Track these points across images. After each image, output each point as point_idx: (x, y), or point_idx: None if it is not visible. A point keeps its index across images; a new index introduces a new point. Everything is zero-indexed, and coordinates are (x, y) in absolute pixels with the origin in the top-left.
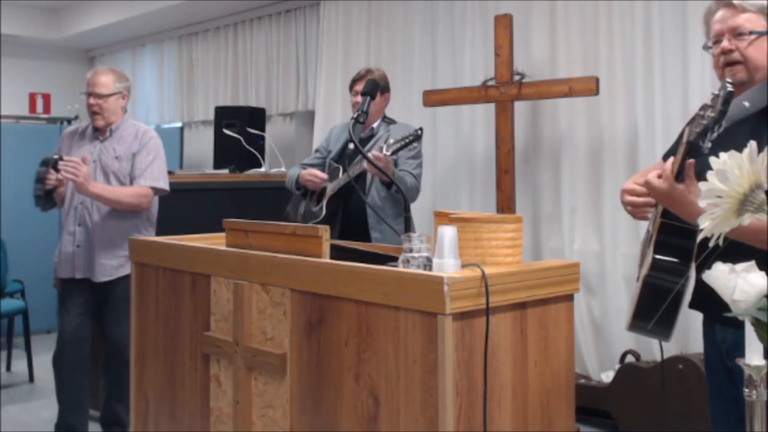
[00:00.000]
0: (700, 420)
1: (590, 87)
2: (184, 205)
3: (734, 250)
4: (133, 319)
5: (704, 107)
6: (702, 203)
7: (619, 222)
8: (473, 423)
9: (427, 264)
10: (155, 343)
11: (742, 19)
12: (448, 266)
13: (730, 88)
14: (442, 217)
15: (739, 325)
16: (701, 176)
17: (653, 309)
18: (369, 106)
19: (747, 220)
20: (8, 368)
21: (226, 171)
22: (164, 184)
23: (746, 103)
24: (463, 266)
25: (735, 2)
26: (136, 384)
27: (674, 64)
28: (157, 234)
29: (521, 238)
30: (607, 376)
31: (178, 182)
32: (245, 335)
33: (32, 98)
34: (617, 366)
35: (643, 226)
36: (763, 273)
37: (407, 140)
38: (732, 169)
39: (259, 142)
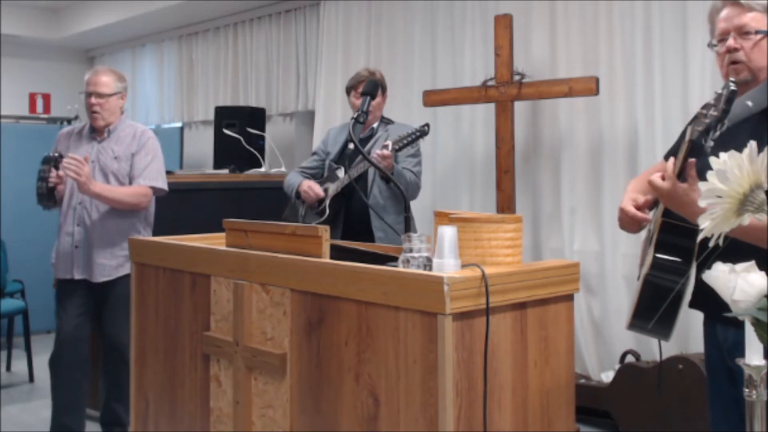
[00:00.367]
0: (699, 420)
1: (590, 87)
2: (184, 205)
3: (735, 249)
4: (133, 319)
5: (707, 106)
6: (702, 203)
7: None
8: (473, 423)
9: (427, 264)
10: (155, 343)
11: (748, 18)
12: (448, 266)
13: (733, 87)
14: (442, 217)
15: (740, 325)
16: (703, 175)
17: (653, 308)
18: (369, 106)
19: (747, 219)
20: (8, 368)
21: (226, 171)
22: (163, 183)
23: (749, 103)
24: (463, 266)
25: (741, 1)
26: (136, 384)
27: (674, 64)
28: (157, 234)
29: (521, 238)
30: (607, 376)
31: (178, 182)
32: (245, 335)
33: (32, 98)
34: (617, 366)
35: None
36: (763, 273)
37: (414, 136)
38: (732, 169)
39: (259, 142)
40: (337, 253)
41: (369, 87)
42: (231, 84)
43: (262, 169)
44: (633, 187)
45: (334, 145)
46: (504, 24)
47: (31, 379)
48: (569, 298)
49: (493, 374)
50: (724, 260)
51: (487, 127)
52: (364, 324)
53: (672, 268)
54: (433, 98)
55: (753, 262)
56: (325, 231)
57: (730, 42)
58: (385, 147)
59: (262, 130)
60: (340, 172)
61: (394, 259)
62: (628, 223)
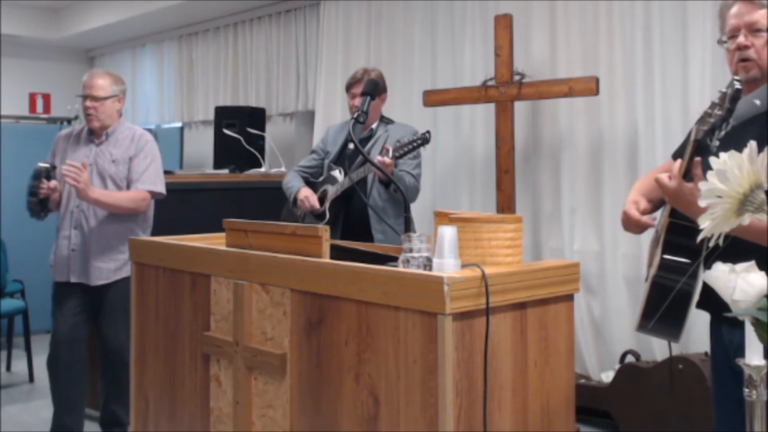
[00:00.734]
0: (700, 420)
1: (590, 87)
2: (184, 205)
3: (742, 250)
4: (133, 319)
5: (712, 105)
6: (702, 203)
7: (619, 222)
8: (473, 423)
9: (427, 264)
10: (155, 343)
11: (759, 15)
12: (448, 266)
13: (737, 85)
14: (442, 217)
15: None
16: None
17: (661, 309)
18: (369, 106)
19: (747, 219)
20: (8, 368)
21: (226, 171)
22: (161, 187)
23: (757, 101)
24: (463, 266)
25: None
26: (136, 384)
27: (674, 64)
28: (157, 234)
29: (521, 238)
30: (607, 376)
31: (178, 182)
32: (245, 335)
33: (32, 98)
34: (617, 366)
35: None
36: (763, 273)
37: (415, 144)
38: (732, 169)
39: (259, 142)
40: (337, 253)
41: (369, 87)
42: (231, 84)
43: (262, 169)
44: (638, 186)
45: (334, 145)
46: (504, 24)
47: (31, 379)
48: (569, 298)
49: (493, 374)
50: (733, 261)
51: (487, 127)
52: (364, 324)
53: (680, 269)
54: (433, 98)
55: (753, 262)
56: (325, 231)
57: (741, 39)
58: (386, 153)
59: (262, 130)
60: (339, 174)
61: (394, 259)
62: (631, 226)
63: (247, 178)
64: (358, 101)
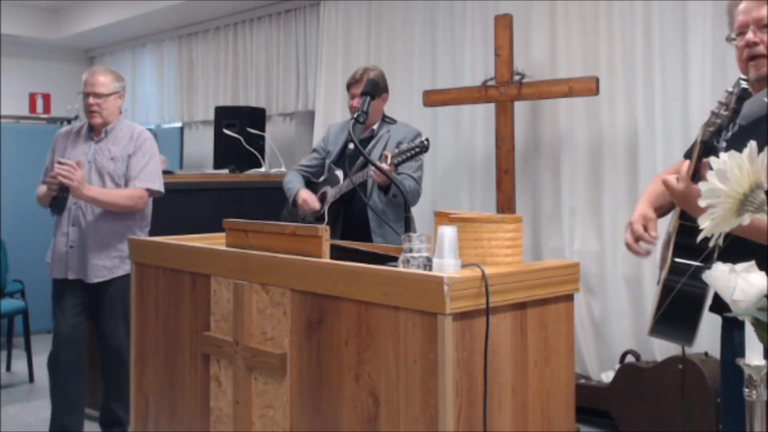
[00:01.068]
0: (700, 420)
1: (590, 87)
2: (184, 205)
3: (751, 251)
4: (133, 319)
5: (719, 105)
6: (702, 203)
7: (619, 222)
8: (473, 423)
9: (427, 264)
10: (155, 343)
11: None
12: (448, 266)
13: (744, 85)
14: (442, 217)
15: None
16: None
17: (673, 313)
18: (369, 106)
19: (747, 219)
20: (8, 368)
21: (226, 171)
22: (159, 185)
23: (767, 100)
24: (463, 266)
25: None
26: (136, 384)
27: (674, 64)
28: (157, 234)
29: (521, 238)
30: (607, 376)
31: (178, 182)
32: (245, 335)
33: (32, 98)
34: (617, 366)
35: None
36: (763, 273)
37: (413, 152)
38: (732, 169)
39: (259, 142)
40: (337, 253)
41: (368, 87)
42: (231, 84)
43: (262, 169)
44: (650, 192)
45: (335, 144)
46: (504, 24)
47: (31, 379)
48: (569, 298)
49: (493, 374)
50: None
51: (487, 127)
52: (364, 324)
53: (691, 273)
54: (433, 98)
55: (753, 262)
56: (325, 231)
57: (749, 36)
58: (385, 159)
59: (262, 130)
60: (340, 175)
61: (394, 259)
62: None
63: (247, 178)
64: (357, 101)
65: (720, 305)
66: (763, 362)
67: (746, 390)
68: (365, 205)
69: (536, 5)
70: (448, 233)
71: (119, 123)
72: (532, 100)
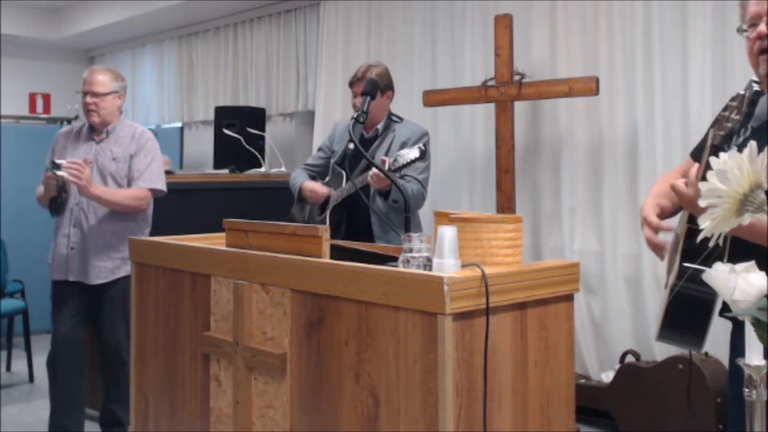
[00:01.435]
0: (700, 420)
1: (590, 87)
2: (184, 205)
3: (757, 256)
4: (133, 319)
5: (729, 108)
6: (702, 203)
7: (619, 222)
8: (473, 423)
9: (427, 264)
10: (155, 343)
11: None
12: (448, 266)
13: (756, 87)
14: (442, 217)
15: None
16: None
17: (681, 318)
18: (369, 106)
19: (747, 219)
20: (8, 368)
21: (226, 171)
22: (162, 185)
23: None
24: (463, 266)
25: None
26: (136, 384)
27: (674, 64)
28: (157, 234)
29: (521, 238)
30: (607, 376)
31: (178, 182)
32: (245, 335)
33: (32, 98)
34: (617, 366)
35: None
36: (763, 273)
37: (410, 160)
38: (732, 169)
39: (259, 142)
40: (337, 253)
41: (368, 87)
42: (231, 84)
43: (262, 169)
44: (656, 192)
45: (340, 143)
46: (504, 24)
47: (31, 379)
48: (569, 298)
49: (493, 374)
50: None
51: (487, 127)
52: (364, 324)
53: (699, 278)
54: (433, 98)
55: (753, 262)
56: (325, 231)
57: (762, 28)
58: (383, 165)
59: (262, 130)
60: (343, 177)
61: (394, 259)
62: (648, 240)
63: (247, 178)
64: (359, 100)
65: (727, 309)
66: (763, 362)
67: (746, 390)
68: (368, 210)
69: (536, 5)
70: (448, 233)
71: (120, 123)
72: (532, 100)
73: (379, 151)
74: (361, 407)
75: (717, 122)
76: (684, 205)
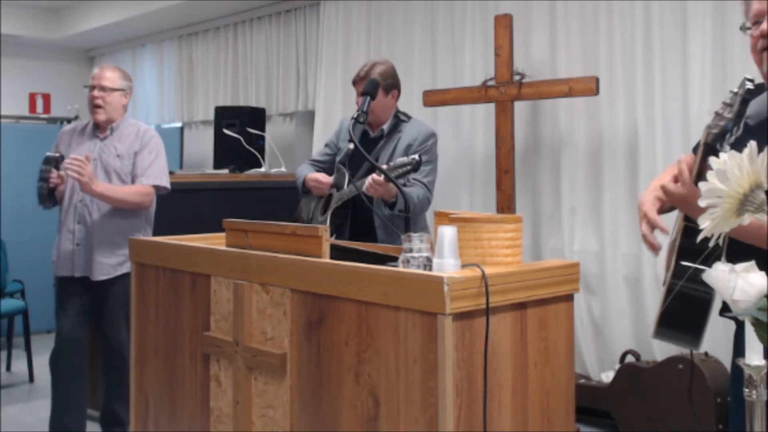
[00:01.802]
0: (700, 420)
1: (590, 87)
2: (184, 205)
3: (754, 257)
4: (133, 319)
5: (723, 106)
6: (702, 203)
7: (619, 222)
8: (473, 423)
9: (427, 264)
10: (155, 343)
11: None
12: (448, 266)
13: (749, 85)
14: (442, 217)
15: None
16: None
17: (678, 316)
18: (369, 106)
19: (747, 220)
20: (8, 368)
21: (226, 171)
22: (166, 182)
23: None
24: (463, 266)
25: None
26: (136, 384)
27: (674, 64)
28: (158, 234)
29: (521, 238)
30: (607, 376)
31: (178, 182)
32: (245, 335)
33: (32, 98)
34: (617, 366)
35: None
36: (763, 273)
37: (406, 168)
38: (732, 169)
39: (259, 142)
40: (337, 253)
41: (368, 87)
42: (231, 84)
43: (262, 169)
44: (655, 186)
45: (345, 141)
46: (504, 24)
47: (31, 379)
48: (569, 298)
49: (493, 374)
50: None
51: (487, 127)
52: (364, 324)
53: (695, 276)
54: (433, 98)
55: (753, 262)
56: (325, 231)
57: (764, 26)
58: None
59: (262, 130)
60: (346, 180)
61: (394, 259)
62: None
63: (247, 178)
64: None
65: (728, 308)
66: (763, 362)
67: (746, 390)
68: (372, 213)
69: (536, 5)
70: (448, 233)
71: (124, 121)
72: (532, 100)
73: (384, 152)
74: (361, 407)
75: (712, 120)
76: (676, 205)
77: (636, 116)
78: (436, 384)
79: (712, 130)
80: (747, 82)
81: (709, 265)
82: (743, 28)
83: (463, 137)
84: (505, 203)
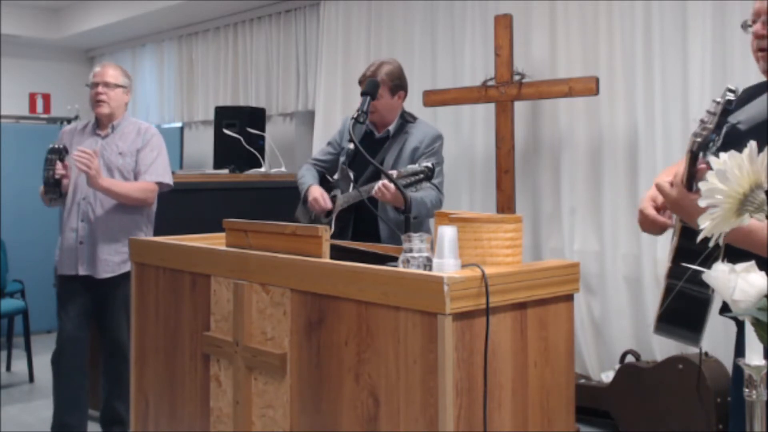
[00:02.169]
0: (700, 420)
1: (590, 87)
2: (184, 205)
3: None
4: (133, 319)
5: (708, 114)
6: (702, 203)
7: (619, 222)
8: (473, 423)
9: (427, 264)
10: (155, 343)
11: None
12: (448, 266)
13: (729, 96)
14: (442, 217)
15: None
16: None
17: (677, 315)
18: (368, 106)
19: (747, 220)
20: (8, 368)
21: (226, 171)
22: (169, 179)
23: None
24: (463, 266)
25: None
26: (136, 384)
27: (674, 64)
28: (158, 233)
29: (521, 238)
30: (607, 376)
31: (178, 182)
32: (245, 335)
33: (32, 98)
34: (617, 366)
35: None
36: (763, 273)
37: (418, 177)
38: (732, 169)
39: (259, 142)
40: (337, 253)
41: (368, 87)
42: (231, 84)
43: (262, 169)
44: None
45: (348, 141)
46: (504, 24)
47: (31, 379)
48: (569, 298)
49: (493, 374)
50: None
51: (487, 127)
52: (364, 324)
53: (691, 277)
54: (433, 98)
55: (753, 262)
56: (325, 231)
57: (757, 27)
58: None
59: (262, 130)
60: (350, 184)
61: (394, 259)
62: (648, 225)
63: (247, 178)
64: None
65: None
66: (763, 362)
67: (746, 390)
68: (376, 216)
69: (536, 5)
70: (448, 233)
71: (125, 119)
72: (532, 100)
73: (390, 153)
74: (361, 407)
75: (698, 127)
76: (669, 206)
77: (636, 116)
78: (436, 384)
79: (697, 139)
80: (728, 93)
81: (708, 266)
82: (744, 27)
83: (463, 137)
84: (505, 203)
